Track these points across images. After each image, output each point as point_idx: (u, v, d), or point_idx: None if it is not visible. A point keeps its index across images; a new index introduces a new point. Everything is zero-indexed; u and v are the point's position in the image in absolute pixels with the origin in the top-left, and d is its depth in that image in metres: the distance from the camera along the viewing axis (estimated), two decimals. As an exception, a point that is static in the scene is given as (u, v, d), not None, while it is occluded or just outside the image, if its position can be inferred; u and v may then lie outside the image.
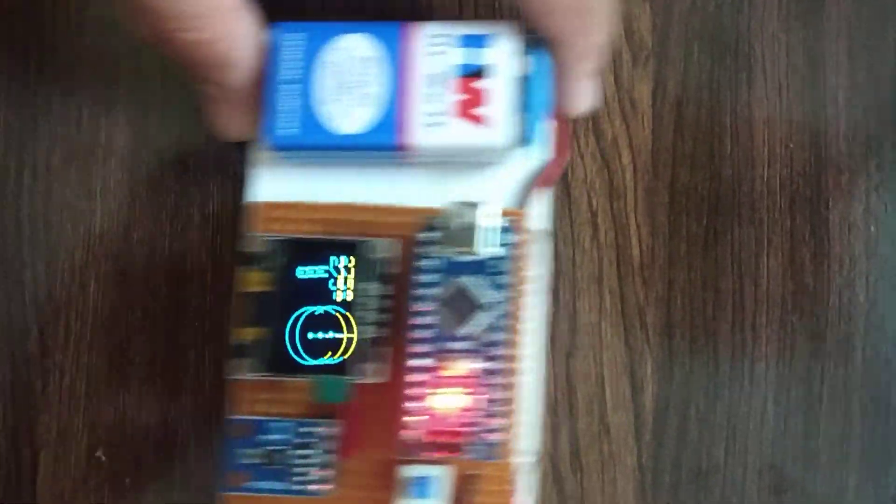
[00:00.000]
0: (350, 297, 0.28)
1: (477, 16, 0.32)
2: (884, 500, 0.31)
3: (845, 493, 0.31)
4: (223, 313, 0.32)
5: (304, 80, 0.29)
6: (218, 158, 0.32)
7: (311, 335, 0.27)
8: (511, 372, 0.28)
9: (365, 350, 0.27)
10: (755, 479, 0.31)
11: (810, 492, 0.31)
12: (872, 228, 0.32)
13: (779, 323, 0.31)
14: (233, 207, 0.32)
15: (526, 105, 0.29)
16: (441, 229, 0.27)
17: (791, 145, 0.32)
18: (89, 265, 0.32)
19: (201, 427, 0.31)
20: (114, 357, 0.32)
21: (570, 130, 0.30)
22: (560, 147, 0.30)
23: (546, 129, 0.30)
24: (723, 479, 0.31)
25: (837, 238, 0.31)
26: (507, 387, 0.28)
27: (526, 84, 0.29)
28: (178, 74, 0.31)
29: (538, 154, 0.30)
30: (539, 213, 0.30)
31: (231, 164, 0.32)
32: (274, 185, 0.30)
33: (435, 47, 0.29)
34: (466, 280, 0.28)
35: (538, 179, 0.30)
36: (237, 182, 0.31)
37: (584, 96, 0.30)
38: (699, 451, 0.31)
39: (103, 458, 0.31)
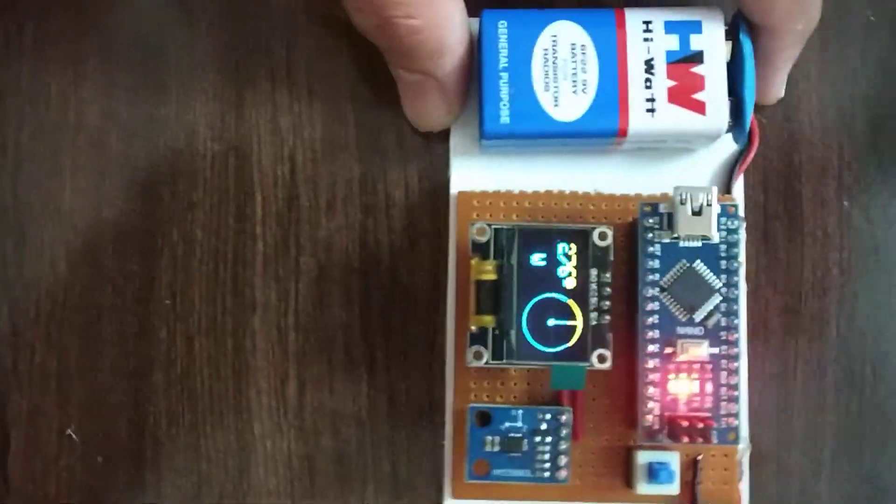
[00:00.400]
0: (574, 284, 0.28)
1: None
2: (859, 473, 0.31)
3: (820, 466, 0.31)
4: (195, 291, 0.31)
5: (518, 69, 0.29)
6: (188, 135, 0.32)
7: (550, 322, 0.28)
8: (737, 357, 0.29)
9: (598, 336, 0.28)
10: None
11: (785, 465, 0.31)
12: (846, 203, 0.31)
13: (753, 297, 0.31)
14: (203, 185, 0.32)
15: (737, 91, 0.29)
16: (670, 214, 0.28)
17: (764, 121, 0.32)
18: (59, 243, 0.32)
19: (173, 405, 0.31)
20: (84, 334, 0.31)
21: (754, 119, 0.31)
22: (752, 135, 0.31)
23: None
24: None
25: (810, 213, 0.31)
26: (736, 372, 0.28)
27: (735, 70, 0.29)
28: (151, 52, 0.31)
29: (741, 140, 0.30)
30: (739, 199, 0.31)
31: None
32: (477, 172, 0.31)
33: (646, 33, 0.29)
34: (698, 265, 0.28)
35: (741, 165, 0.31)
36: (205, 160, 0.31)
37: (781, 84, 0.31)
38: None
39: (74, 437, 0.31)
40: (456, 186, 0.31)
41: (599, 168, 0.31)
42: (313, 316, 0.31)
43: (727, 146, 0.31)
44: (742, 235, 0.31)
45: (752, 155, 0.31)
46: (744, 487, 0.30)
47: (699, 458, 0.30)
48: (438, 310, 0.31)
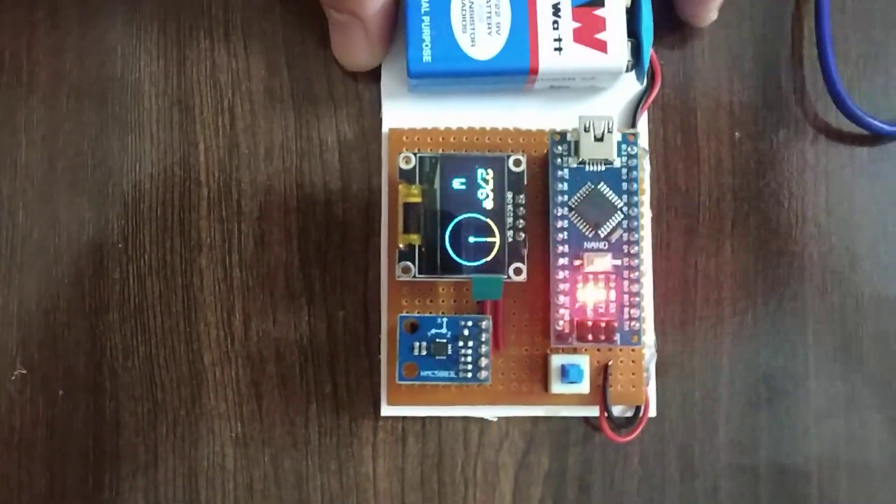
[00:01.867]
0: (492, 205, 0.30)
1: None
2: (755, 375, 0.34)
3: (720, 371, 0.34)
4: (145, 234, 0.34)
5: (438, 12, 0.32)
6: (135, 92, 0.34)
7: (471, 239, 0.30)
8: (640, 268, 0.32)
9: (514, 251, 0.30)
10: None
11: (688, 370, 0.34)
12: (737, 133, 0.35)
13: (656, 221, 0.34)
14: (150, 138, 0.34)
15: (637, 32, 0.32)
16: (576, 142, 0.31)
17: (662, 62, 0.35)
18: (16, 194, 0.34)
19: (128, 340, 0.34)
20: (42, 279, 0.34)
21: (658, 62, 0.34)
22: (654, 76, 0.34)
23: (650, 57, 0.33)
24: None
25: (705, 143, 0.35)
26: (639, 281, 0.31)
27: (636, 12, 0.32)
28: (98, 17, 0.34)
29: (641, 79, 0.33)
30: (643, 133, 0.34)
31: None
32: (405, 112, 0.34)
33: None
34: (602, 186, 0.31)
35: (644, 103, 0.34)
36: (151, 114, 0.34)
37: (714, 7, 0.33)
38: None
39: (24, 372, 0.33)
40: (387, 125, 0.34)
41: (517, 106, 0.34)
42: (255, 253, 0.34)
43: (633, 86, 0.34)
44: (647, 166, 0.34)
45: (654, 94, 0.34)
46: (650, 391, 0.34)
47: (609, 363, 0.33)
48: (370, 242, 0.34)
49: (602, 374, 0.33)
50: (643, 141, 0.34)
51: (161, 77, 0.35)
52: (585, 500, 0.34)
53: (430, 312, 0.33)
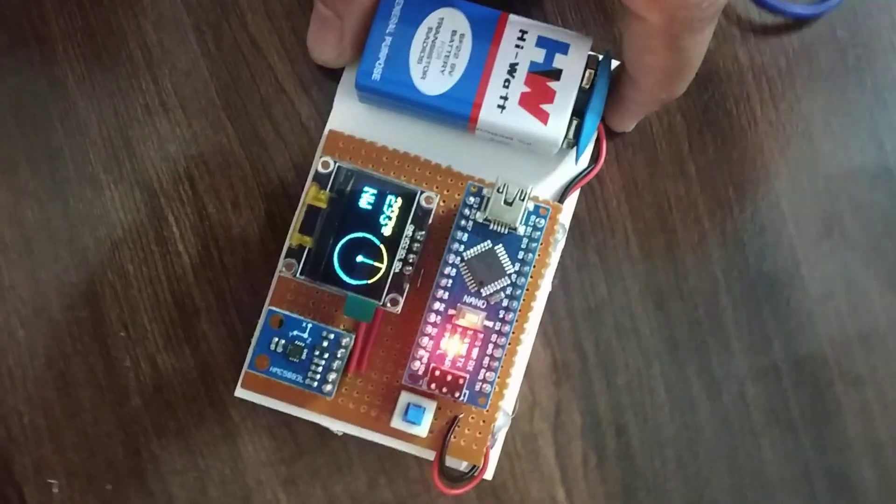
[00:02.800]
0: (390, 233, 0.31)
1: (574, 21, 0.36)
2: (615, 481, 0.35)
3: (573, 474, 0.35)
4: (143, 316, 0.35)
5: (401, 37, 0.32)
6: (93, 187, 0.35)
7: (359, 258, 0.31)
8: (512, 338, 0.33)
9: (396, 282, 0.31)
10: (639, 300, 0.35)
11: (536, 450, 0.35)
12: (757, 57, 0.36)
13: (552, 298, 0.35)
14: (120, 224, 0.35)
15: (583, 114, 0.32)
16: (489, 199, 0.31)
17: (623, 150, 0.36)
18: (11, 315, 0.35)
19: (156, 418, 0.35)
20: (59, 385, 0.35)
21: (605, 145, 0.35)
22: (598, 157, 0.35)
23: (592, 140, 0.34)
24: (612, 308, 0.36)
25: (723, 75, 0.36)
26: (503, 347, 0.32)
27: (586, 95, 0.32)
28: (34, 125, 0.34)
29: (583, 159, 0.34)
30: (567, 210, 0.35)
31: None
32: (353, 118, 0.34)
33: (520, 41, 0.32)
34: (499, 249, 0.32)
35: (577, 182, 0.34)
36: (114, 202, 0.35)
37: (630, 123, 0.34)
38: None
39: (55, 489, 0.35)
40: (330, 125, 0.35)
41: (462, 148, 0.34)
42: (252, 303, 0.35)
43: (583, 163, 0.35)
44: (560, 242, 0.34)
45: (589, 177, 0.35)
46: (493, 454, 0.34)
47: (459, 416, 0.33)
48: (283, 231, 0.35)
49: (449, 425, 0.33)
50: (566, 218, 0.34)
51: (113, 164, 0.35)
52: (623, 444, 0.35)
53: (306, 315, 0.33)
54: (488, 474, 0.34)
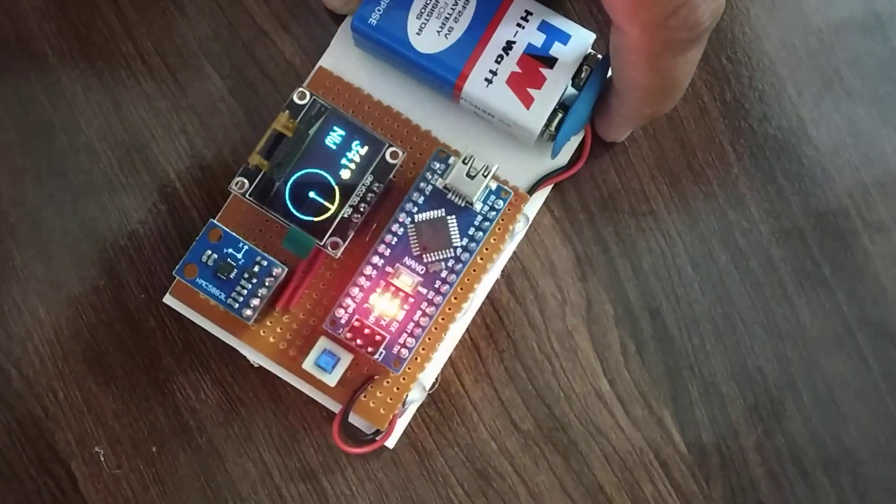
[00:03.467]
0: (348, 177, 0.31)
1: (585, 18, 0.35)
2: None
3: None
4: (160, 272, 0.35)
5: None
6: (89, 153, 0.35)
7: (311, 194, 0.30)
8: (444, 311, 0.32)
9: (342, 227, 0.31)
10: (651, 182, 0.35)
11: (445, 430, 0.35)
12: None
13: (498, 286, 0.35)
14: (120, 183, 0.33)
15: (569, 110, 0.32)
16: (452, 167, 0.31)
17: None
18: (31, 293, 0.35)
19: (191, 376, 0.34)
20: (89, 358, 0.35)
21: (588, 149, 0.34)
22: (579, 159, 0.34)
23: (574, 140, 0.34)
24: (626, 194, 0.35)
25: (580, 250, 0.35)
26: (435, 321, 0.32)
27: (576, 91, 0.32)
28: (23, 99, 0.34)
29: (561, 157, 0.34)
30: (535, 203, 0.34)
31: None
32: (346, 61, 0.34)
33: (522, 21, 0.32)
34: (451, 219, 0.31)
35: (551, 178, 0.34)
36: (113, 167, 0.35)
37: (618, 134, 0.34)
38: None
39: (100, 451, 0.34)
40: (322, 63, 0.34)
41: (447, 115, 0.34)
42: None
43: (563, 160, 0.34)
44: (519, 233, 0.34)
45: (564, 176, 0.34)
46: (401, 422, 0.33)
47: (376, 377, 0.33)
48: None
49: (362, 381, 0.32)
50: (532, 210, 0.34)
51: (106, 130, 0.35)
52: (659, 327, 0.35)
53: (251, 238, 0.32)
54: (390, 442, 0.33)
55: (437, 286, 0.31)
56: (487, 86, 0.32)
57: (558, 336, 0.35)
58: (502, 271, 0.34)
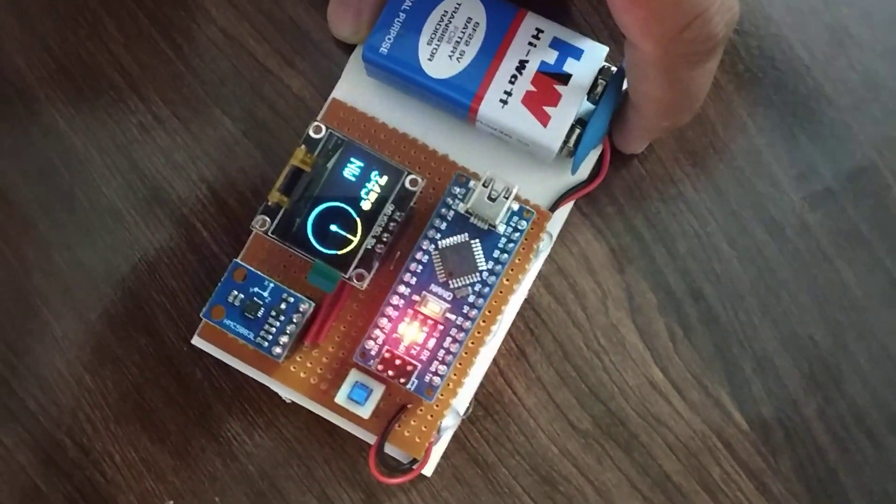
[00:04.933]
0: (369, 208, 0.30)
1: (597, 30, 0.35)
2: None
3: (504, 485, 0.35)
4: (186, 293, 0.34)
5: (416, 15, 0.32)
6: (113, 216, 0.35)
7: (333, 227, 0.30)
8: (474, 335, 0.32)
9: (366, 258, 0.30)
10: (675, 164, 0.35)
11: (479, 455, 0.35)
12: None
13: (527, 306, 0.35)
14: (149, 238, 0.33)
15: (586, 125, 0.32)
16: (473, 191, 0.31)
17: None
18: (67, 338, 0.35)
19: (245, 423, 0.34)
20: (138, 414, 0.34)
21: (608, 162, 0.34)
22: (599, 173, 0.34)
23: (594, 154, 0.33)
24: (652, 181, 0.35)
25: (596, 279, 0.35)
26: (465, 346, 0.31)
27: (593, 106, 0.32)
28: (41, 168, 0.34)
29: (581, 172, 0.33)
30: (558, 220, 0.34)
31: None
32: (359, 91, 0.34)
33: (534, 39, 0.32)
34: (476, 244, 0.31)
35: (572, 194, 0.34)
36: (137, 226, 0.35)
37: (637, 145, 0.33)
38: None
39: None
40: (335, 94, 0.34)
41: (463, 138, 0.34)
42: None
43: (583, 175, 0.34)
44: (544, 251, 0.34)
45: (585, 191, 0.34)
46: (437, 450, 0.33)
47: (409, 406, 0.32)
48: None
49: (396, 411, 0.32)
50: (555, 227, 0.34)
51: (126, 190, 0.35)
52: (704, 308, 0.34)
53: (274, 277, 0.32)
54: (427, 470, 0.33)
55: (465, 311, 0.31)
56: (503, 107, 0.31)
57: (604, 331, 0.34)
58: (537, 275, 0.34)
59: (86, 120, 0.35)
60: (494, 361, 0.34)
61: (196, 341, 0.33)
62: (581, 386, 0.34)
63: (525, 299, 0.34)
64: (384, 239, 0.30)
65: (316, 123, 0.31)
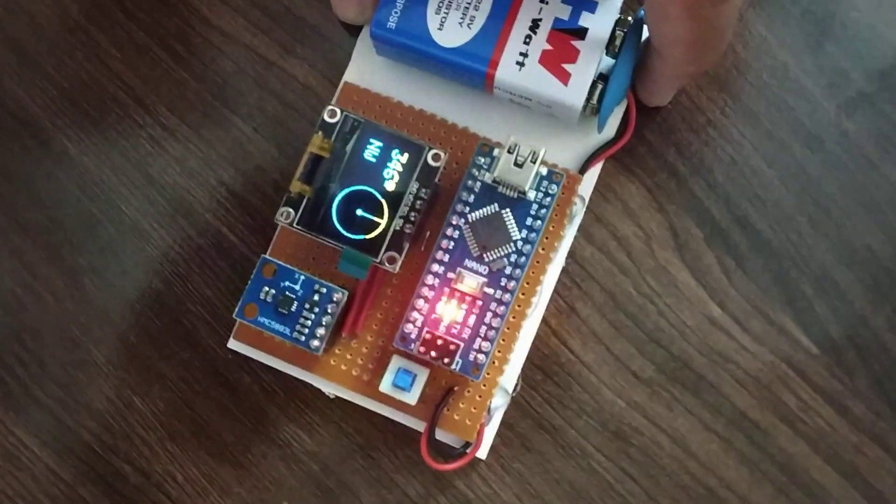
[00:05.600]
0: (394, 188, 0.29)
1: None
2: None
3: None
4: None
5: None
6: (137, 233, 0.34)
7: (359, 212, 0.29)
8: (514, 309, 0.31)
9: (395, 240, 0.29)
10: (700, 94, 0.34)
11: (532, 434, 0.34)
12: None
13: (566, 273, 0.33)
14: (179, 245, 0.32)
15: (608, 79, 0.30)
16: (498, 159, 0.30)
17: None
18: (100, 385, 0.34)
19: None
20: (194, 430, 0.34)
21: (634, 117, 0.32)
22: (626, 128, 0.32)
23: (618, 110, 0.32)
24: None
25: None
26: (507, 320, 0.30)
27: (613, 59, 0.30)
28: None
29: (607, 129, 0.32)
30: (588, 182, 0.32)
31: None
32: (370, 71, 0.33)
33: None
34: (507, 213, 0.30)
35: (601, 153, 0.32)
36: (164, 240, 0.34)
37: (663, 96, 0.32)
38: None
39: None
40: (346, 77, 0.33)
41: (480, 109, 0.32)
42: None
43: (610, 132, 0.32)
44: (578, 216, 0.32)
45: (614, 149, 0.32)
46: (489, 431, 0.32)
47: (456, 388, 0.31)
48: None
49: (443, 394, 0.31)
50: (586, 190, 0.32)
51: (147, 206, 0.34)
52: (753, 235, 0.33)
53: (305, 270, 0.31)
54: (481, 453, 0.32)
55: (503, 284, 0.30)
56: (520, 69, 0.30)
57: (653, 274, 0.33)
58: (578, 230, 0.33)
59: (95, 141, 0.35)
60: (546, 322, 0.33)
61: (232, 344, 0.32)
62: (638, 334, 0.33)
63: (567, 253, 0.33)
64: (412, 219, 0.29)
65: (330, 107, 0.30)
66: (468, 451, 0.32)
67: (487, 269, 0.30)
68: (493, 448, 0.32)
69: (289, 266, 0.31)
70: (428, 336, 0.30)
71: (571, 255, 0.33)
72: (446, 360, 0.30)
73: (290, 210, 0.29)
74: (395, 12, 0.31)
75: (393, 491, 0.33)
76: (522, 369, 0.32)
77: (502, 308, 0.30)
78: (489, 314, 0.30)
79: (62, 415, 0.34)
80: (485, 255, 0.30)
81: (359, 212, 0.29)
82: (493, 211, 0.30)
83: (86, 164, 0.35)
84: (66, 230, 0.34)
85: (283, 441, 0.33)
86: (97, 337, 0.34)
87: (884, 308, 0.33)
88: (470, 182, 0.30)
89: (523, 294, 0.31)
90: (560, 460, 0.33)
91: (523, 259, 0.30)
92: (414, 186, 0.29)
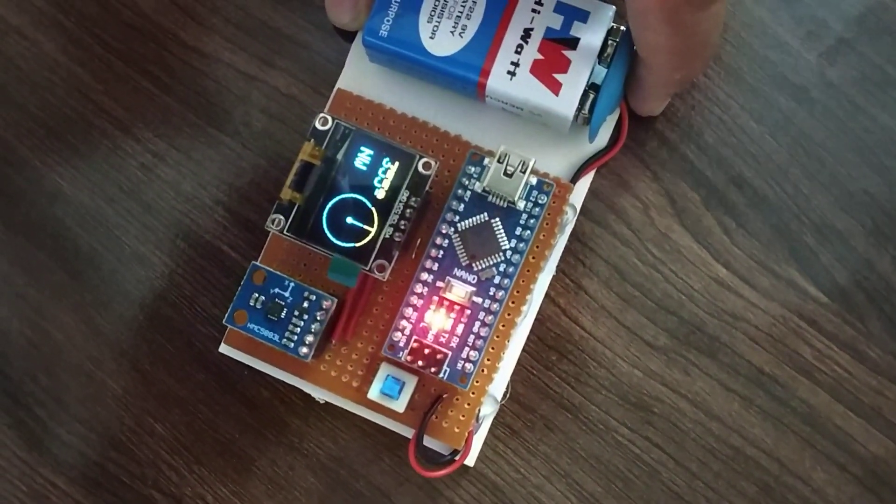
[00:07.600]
0: (384, 196, 0.29)
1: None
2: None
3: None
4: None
5: None
6: (140, 260, 0.34)
7: (349, 220, 0.29)
8: (504, 318, 0.31)
9: (385, 248, 0.29)
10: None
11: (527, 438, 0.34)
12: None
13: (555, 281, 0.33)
14: (186, 281, 0.31)
15: (599, 89, 0.31)
16: (488, 168, 0.30)
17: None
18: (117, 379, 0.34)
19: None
20: (213, 443, 0.33)
21: (627, 126, 0.32)
22: (619, 138, 0.33)
23: (610, 119, 0.32)
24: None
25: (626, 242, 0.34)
26: (496, 329, 0.30)
27: (605, 68, 0.31)
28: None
29: (599, 139, 0.32)
30: (580, 191, 0.33)
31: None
32: (363, 78, 0.33)
33: (537, 5, 0.30)
34: (496, 223, 0.30)
35: (593, 162, 0.32)
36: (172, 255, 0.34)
37: (654, 105, 0.32)
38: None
39: None
40: (339, 84, 0.33)
41: (473, 117, 0.33)
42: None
43: (602, 142, 0.33)
44: (568, 225, 0.32)
45: (605, 159, 0.32)
46: (477, 439, 0.32)
47: (444, 396, 0.31)
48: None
49: (431, 402, 0.31)
50: (578, 199, 0.32)
51: (146, 233, 0.35)
52: (749, 192, 0.33)
53: (295, 277, 0.31)
54: (469, 460, 0.32)
55: (491, 293, 0.30)
56: (511, 79, 0.30)
57: (655, 242, 0.33)
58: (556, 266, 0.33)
59: (88, 175, 0.35)
60: (555, 302, 0.33)
61: (223, 349, 0.32)
62: (647, 303, 0.33)
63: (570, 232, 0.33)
64: (402, 227, 0.29)
65: (322, 115, 0.30)
66: (456, 458, 0.32)
67: (476, 278, 0.30)
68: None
69: (279, 273, 0.31)
70: (416, 345, 0.30)
71: (572, 233, 0.33)
72: (434, 369, 0.30)
73: (281, 217, 0.30)
74: (388, 20, 0.31)
75: (423, 487, 0.33)
76: (535, 351, 0.33)
77: (490, 318, 0.30)
78: (477, 323, 0.30)
79: (86, 450, 0.34)
80: (474, 265, 0.30)
81: (349, 220, 0.30)
82: (482, 220, 0.30)
83: (80, 199, 0.35)
84: (68, 267, 0.34)
85: (309, 450, 0.33)
86: (111, 369, 0.34)
87: (888, 249, 0.33)
88: (460, 191, 0.30)
89: (513, 303, 0.31)
90: (584, 437, 0.33)
91: (512, 269, 0.30)
92: (404, 195, 0.29)
